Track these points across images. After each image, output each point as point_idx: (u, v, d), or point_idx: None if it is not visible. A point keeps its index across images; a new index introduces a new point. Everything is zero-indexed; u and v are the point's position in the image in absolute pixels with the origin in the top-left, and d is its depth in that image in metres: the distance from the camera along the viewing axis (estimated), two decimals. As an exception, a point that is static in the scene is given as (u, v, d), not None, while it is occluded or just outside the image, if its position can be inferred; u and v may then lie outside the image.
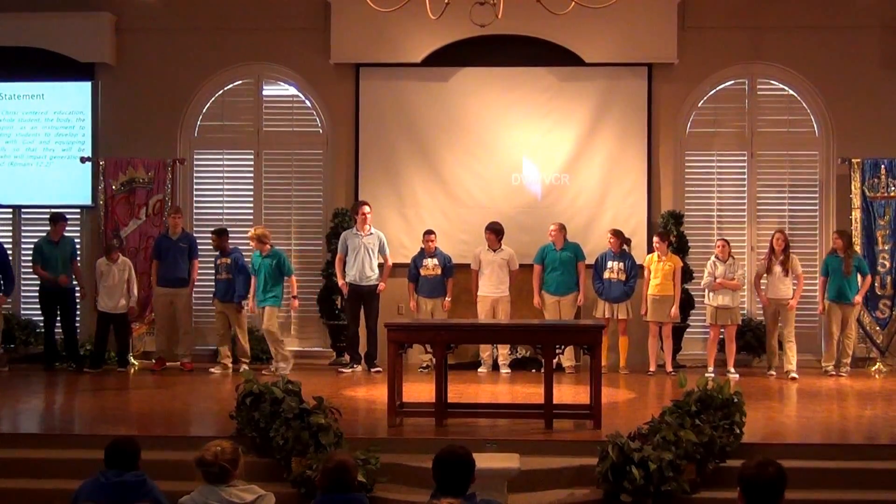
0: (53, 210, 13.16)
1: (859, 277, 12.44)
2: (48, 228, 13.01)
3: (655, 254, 12.47)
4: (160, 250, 12.81)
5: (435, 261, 12.60)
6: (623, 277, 12.48)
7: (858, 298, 12.40)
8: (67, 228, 13.18)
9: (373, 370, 12.40)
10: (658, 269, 12.39)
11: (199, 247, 13.01)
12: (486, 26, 10.47)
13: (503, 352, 12.64)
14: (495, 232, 12.59)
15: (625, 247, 12.67)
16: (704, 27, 13.37)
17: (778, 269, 12.24)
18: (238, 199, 13.89)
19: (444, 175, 13.54)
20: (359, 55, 13.52)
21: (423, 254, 12.71)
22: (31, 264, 13.27)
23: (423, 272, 12.64)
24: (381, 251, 12.66)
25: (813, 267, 13.13)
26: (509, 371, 12.47)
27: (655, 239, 12.53)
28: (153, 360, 12.83)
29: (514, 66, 13.49)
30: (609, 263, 12.53)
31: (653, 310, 12.40)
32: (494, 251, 12.61)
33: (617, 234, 12.60)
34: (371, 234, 12.63)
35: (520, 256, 12.78)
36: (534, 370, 12.44)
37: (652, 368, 12.40)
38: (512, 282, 12.65)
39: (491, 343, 12.14)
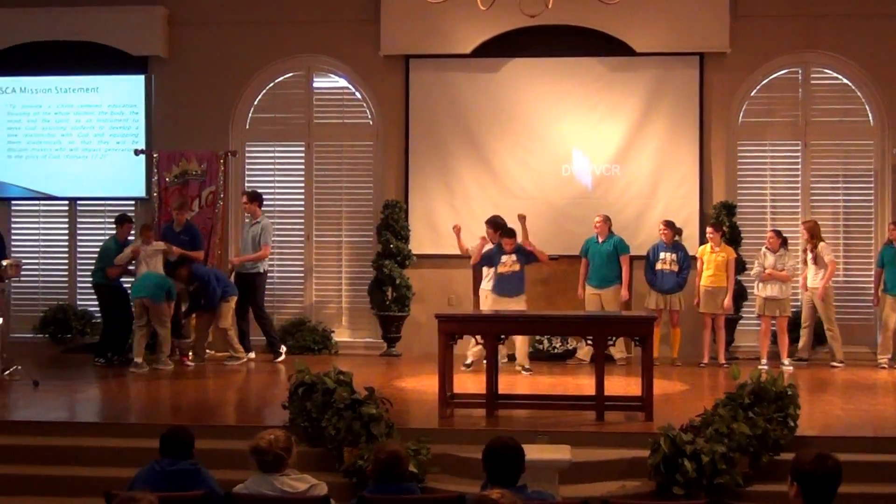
0: (119, 204, 13.22)
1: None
2: (100, 221, 13.13)
3: (708, 245, 12.36)
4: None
5: (514, 257, 11.68)
6: (675, 269, 12.37)
7: (914, 289, 12.24)
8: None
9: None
10: (711, 260, 12.28)
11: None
12: (536, 16, 10.45)
13: (520, 346, 11.95)
14: (495, 226, 11.96)
15: (677, 238, 12.56)
16: (757, 16, 13.22)
17: (809, 259, 12.24)
18: (289, 191, 13.98)
19: (493, 166, 13.52)
20: (408, 47, 13.54)
21: (501, 249, 11.80)
22: (87, 257, 13.49)
23: (500, 269, 11.71)
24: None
25: (868, 258, 12.98)
26: (531, 370, 11.72)
27: (709, 230, 12.41)
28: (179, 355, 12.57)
29: (564, 57, 13.44)
30: (661, 255, 12.43)
31: (705, 301, 12.30)
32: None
33: (669, 225, 12.50)
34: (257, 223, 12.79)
35: (570, 248, 12.71)
36: (569, 361, 12.58)
37: (704, 360, 12.30)
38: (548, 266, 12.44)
39: (543, 334, 12.04)
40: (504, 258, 11.67)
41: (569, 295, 12.66)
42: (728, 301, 12.24)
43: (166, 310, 11.86)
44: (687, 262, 12.44)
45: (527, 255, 11.70)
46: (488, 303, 11.77)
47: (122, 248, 12.45)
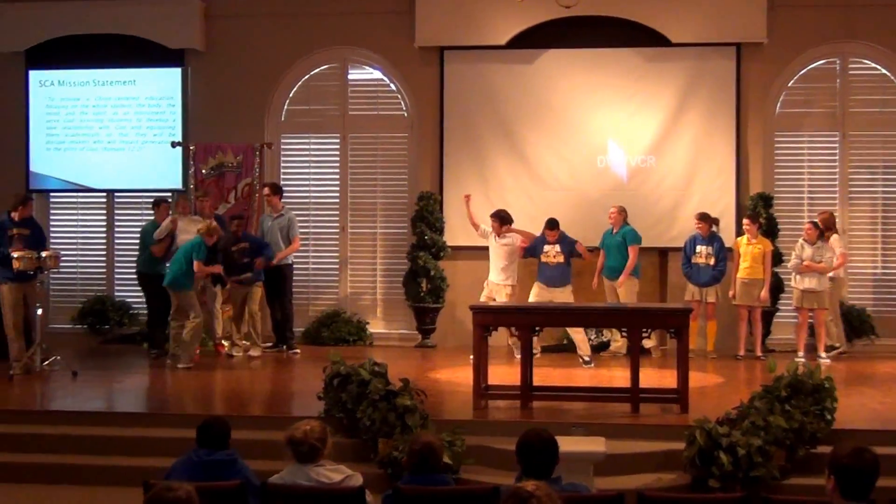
0: (156, 195, 13.32)
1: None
2: (137, 213, 13.22)
3: (745, 236, 12.26)
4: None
5: (557, 248, 11.80)
6: (711, 262, 12.27)
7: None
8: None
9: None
10: (747, 252, 12.18)
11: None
12: (571, 7, 10.44)
13: (580, 338, 11.95)
14: (500, 219, 12.05)
15: (714, 228, 12.44)
16: (794, 5, 13.10)
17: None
18: (324, 183, 14.02)
19: (528, 158, 13.50)
20: (443, 38, 13.53)
21: (544, 239, 11.96)
22: (125, 249, 13.64)
23: (543, 258, 11.88)
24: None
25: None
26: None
27: (745, 221, 12.30)
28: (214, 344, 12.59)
29: (600, 48, 13.38)
30: (698, 248, 12.33)
31: (742, 293, 12.20)
32: (498, 237, 12.07)
33: (703, 217, 12.36)
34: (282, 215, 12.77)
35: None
36: (604, 353, 12.54)
37: (741, 353, 12.22)
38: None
39: (578, 326, 11.99)
40: (547, 248, 11.79)
41: (601, 287, 12.62)
42: (765, 293, 12.14)
43: (192, 297, 11.58)
44: (722, 254, 12.32)
45: (570, 248, 11.79)
46: (535, 292, 11.79)
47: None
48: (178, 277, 11.47)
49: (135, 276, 12.89)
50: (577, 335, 11.86)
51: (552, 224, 11.84)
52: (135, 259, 12.85)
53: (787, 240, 12.74)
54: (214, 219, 12.26)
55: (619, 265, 12.26)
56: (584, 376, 11.03)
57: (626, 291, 12.22)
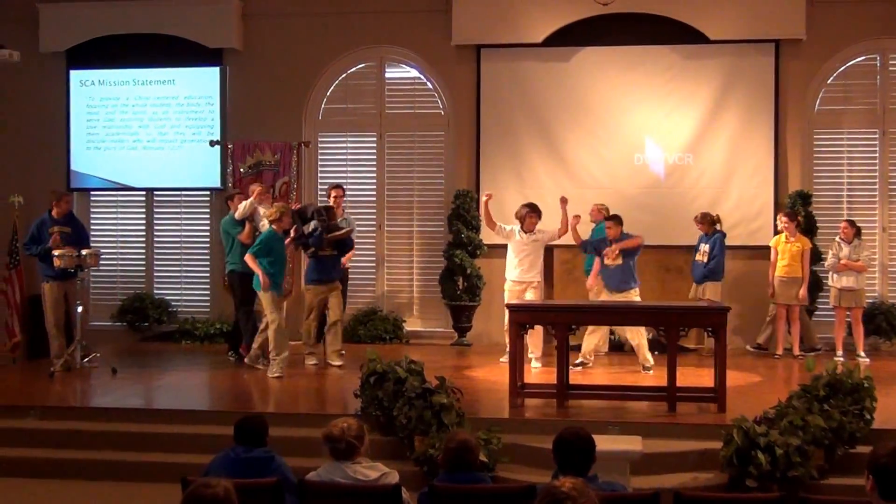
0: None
1: None
2: (176, 211, 13.31)
3: (783, 234, 12.17)
4: None
5: (616, 250, 11.02)
6: (705, 259, 12.20)
7: None
8: (199, 212, 13.54)
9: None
10: (786, 250, 12.10)
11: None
12: (608, 4, 10.41)
13: (535, 342, 11.10)
14: (539, 213, 11.42)
15: (717, 226, 12.33)
16: (834, 1, 12.98)
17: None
18: (361, 181, 14.06)
19: (565, 156, 13.47)
20: (480, 36, 13.53)
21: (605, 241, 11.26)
22: (164, 246, 13.94)
23: (605, 261, 11.13)
24: None
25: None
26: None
27: (783, 219, 12.22)
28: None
29: (636, 45, 13.31)
30: (700, 246, 12.31)
31: (780, 292, 12.12)
32: (528, 233, 11.38)
33: (702, 217, 12.26)
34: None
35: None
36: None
37: (779, 352, 12.13)
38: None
39: (614, 325, 11.92)
40: (607, 250, 11.09)
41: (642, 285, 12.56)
42: (803, 291, 12.05)
43: (262, 298, 10.84)
44: (716, 251, 12.14)
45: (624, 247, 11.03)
46: (600, 296, 11.28)
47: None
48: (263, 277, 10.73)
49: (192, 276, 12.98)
50: (637, 341, 11.04)
51: (617, 219, 11.24)
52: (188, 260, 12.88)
53: (825, 238, 12.62)
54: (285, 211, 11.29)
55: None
56: (620, 375, 10.98)
57: (710, 293, 12.07)
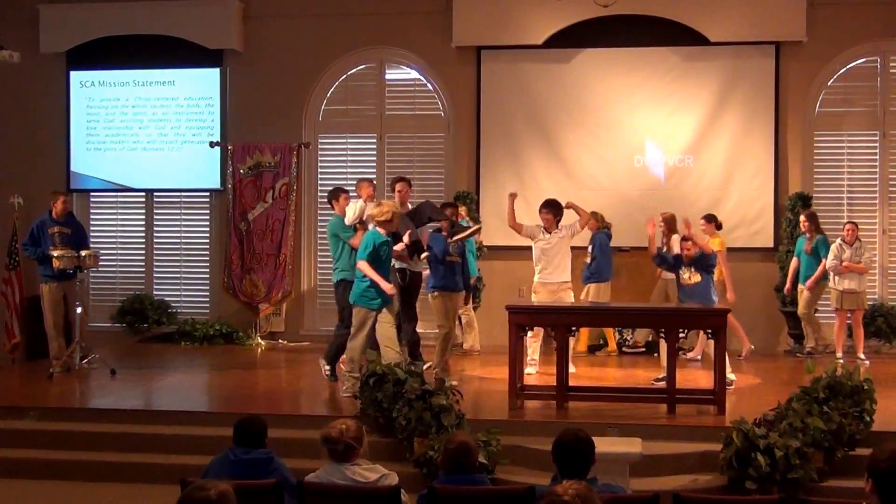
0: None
1: None
2: (176, 212, 13.31)
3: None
4: None
5: (692, 267, 9.85)
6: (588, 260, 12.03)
7: None
8: (199, 213, 13.56)
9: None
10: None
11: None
12: (608, 6, 10.40)
13: (534, 345, 10.86)
14: (549, 208, 10.72)
15: (603, 225, 12.19)
16: (834, 3, 12.99)
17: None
18: (361, 183, 14.04)
19: (565, 157, 13.47)
20: (480, 38, 13.53)
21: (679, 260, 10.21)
22: (163, 247, 13.90)
23: (682, 280, 10.00)
24: None
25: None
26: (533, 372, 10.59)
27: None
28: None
29: (637, 47, 13.32)
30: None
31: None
32: (551, 233, 10.69)
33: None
34: None
35: (642, 240, 12.52)
36: (656, 354, 12.33)
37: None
38: None
39: (614, 327, 11.87)
40: (683, 269, 9.96)
41: (639, 288, 12.55)
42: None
43: (355, 314, 9.31)
44: (596, 251, 12.01)
45: (701, 261, 9.84)
46: None
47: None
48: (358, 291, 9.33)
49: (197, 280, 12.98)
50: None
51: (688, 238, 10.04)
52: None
53: (826, 240, 12.61)
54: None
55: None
56: (619, 377, 10.97)
57: (594, 293, 11.95)
